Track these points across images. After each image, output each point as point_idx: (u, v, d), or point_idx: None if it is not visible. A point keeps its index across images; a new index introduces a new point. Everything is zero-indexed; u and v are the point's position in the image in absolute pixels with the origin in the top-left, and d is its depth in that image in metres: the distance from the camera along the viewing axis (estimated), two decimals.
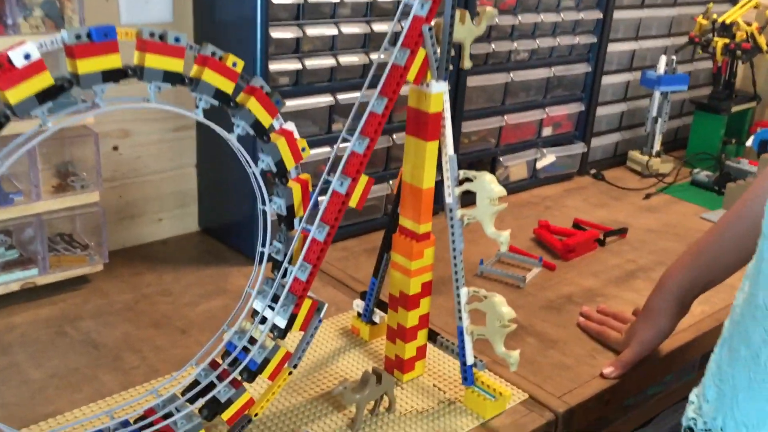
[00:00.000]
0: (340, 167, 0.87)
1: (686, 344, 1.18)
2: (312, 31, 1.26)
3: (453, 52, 0.92)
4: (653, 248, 1.51)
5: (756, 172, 1.76)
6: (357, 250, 1.42)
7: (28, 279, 1.16)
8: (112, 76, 0.68)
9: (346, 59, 1.33)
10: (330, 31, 1.29)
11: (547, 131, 1.78)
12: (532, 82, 1.70)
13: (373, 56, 1.36)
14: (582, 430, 1.05)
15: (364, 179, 0.88)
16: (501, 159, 1.68)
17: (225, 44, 1.12)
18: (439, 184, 0.94)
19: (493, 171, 1.68)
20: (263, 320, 0.89)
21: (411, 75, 0.88)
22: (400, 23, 0.88)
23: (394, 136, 1.44)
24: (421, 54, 0.88)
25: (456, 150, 1.52)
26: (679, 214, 1.69)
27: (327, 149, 1.35)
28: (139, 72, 0.70)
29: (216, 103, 0.77)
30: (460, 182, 0.94)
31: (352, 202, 0.89)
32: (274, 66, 1.24)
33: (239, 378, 0.88)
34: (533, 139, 1.76)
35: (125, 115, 1.30)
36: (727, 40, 1.85)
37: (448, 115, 0.93)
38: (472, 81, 1.55)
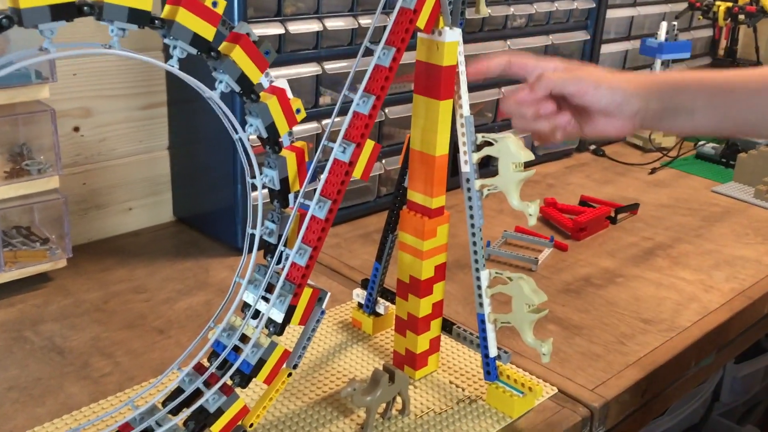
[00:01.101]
0: (342, 131, 0.74)
1: (721, 325, 1.07)
2: None
3: None
4: (668, 224, 1.40)
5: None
6: (350, 236, 1.29)
7: None
8: (64, 12, 0.54)
9: (333, 24, 1.19)
10: None
11: None
12: (530, 51, 1.58)
13: (362, 20, 1.23)
14: (618, 426, 0.93)
15: (370, 144, 0.75)
16: None
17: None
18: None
19: None
20: (256, 314, 0.76)
21: (421, 21, 0.75)
22: None
23: (387, 110, 1.31)
24: None
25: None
26: (689, 189, 1.59)
27: (314, 125, 1.22)
28: (97, 8, 0.56)
29: (194, 51, 0.63)
30: (478, 147, 0.82)
31: (357, 172, 0.76)
32: (254, 31, 1.10)
33: (230, 383, 0.74)
34: None
35: (86, 92, 1.15)
36: (730, 4, 1.75)
37: (463, 68, 0.81)
38: (468, 49, 1.42)
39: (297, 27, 1.15)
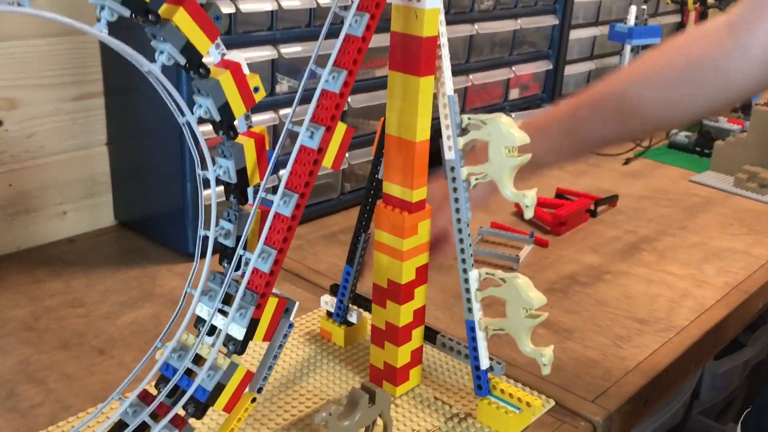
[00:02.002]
0: (309, 113, 0.63)
1: (720, 323, 0.99)
2: None
3: None
4: (650, 216, 1.32)
5: (746, 128, 1.59)
6: (312, 237, 1.18)
7: None
8: None
9: (289, 3, 1.08)
10: None
11: (514, 93, 1.58)
12: (497, 37, 1.49)
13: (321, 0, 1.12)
14: None
15: (341, 128, 0.64)
16: None
17: None
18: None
19: None
20: (212, 330, 0.64)
21: None
22: None
23: (350, 99, 1.20)
24: None
25: None
26: (666, 179, 1.52)
27: (271, 115, 1.11)
28: None
29: (126, 13, 0.51)
30: (463, 130, 0.71)
31: (327, 161, 0.65)
32: None
33: (183, 414, 0.63)
34: (500, 103, 1.55)
35: (9, 81, 1.01)
36: None
37: (445, 40, 0.70)
38: None
39: (249, 6, 1.03)
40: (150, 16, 0.53)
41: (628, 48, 1.69)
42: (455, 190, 0.72)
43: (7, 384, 0.80)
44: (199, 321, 0.65)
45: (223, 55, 0.65)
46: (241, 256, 0.63)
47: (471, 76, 1.44)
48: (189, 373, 0.63)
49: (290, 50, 1.10)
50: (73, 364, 0.83)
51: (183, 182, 1.05)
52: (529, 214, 0.69)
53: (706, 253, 1.19)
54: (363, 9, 0.63)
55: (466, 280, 0.74)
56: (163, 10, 0.55)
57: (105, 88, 1.11)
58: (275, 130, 1.12)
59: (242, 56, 0.62)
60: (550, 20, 1.58)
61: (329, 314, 0.90)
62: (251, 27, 1.07)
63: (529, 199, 0.69)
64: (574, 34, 1.67)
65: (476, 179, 0.72)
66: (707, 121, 1.71)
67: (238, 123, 0.64)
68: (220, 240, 0.65)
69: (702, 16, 1.75)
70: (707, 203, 1.39)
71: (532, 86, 1.63)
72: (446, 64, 0.70)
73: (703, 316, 1.00)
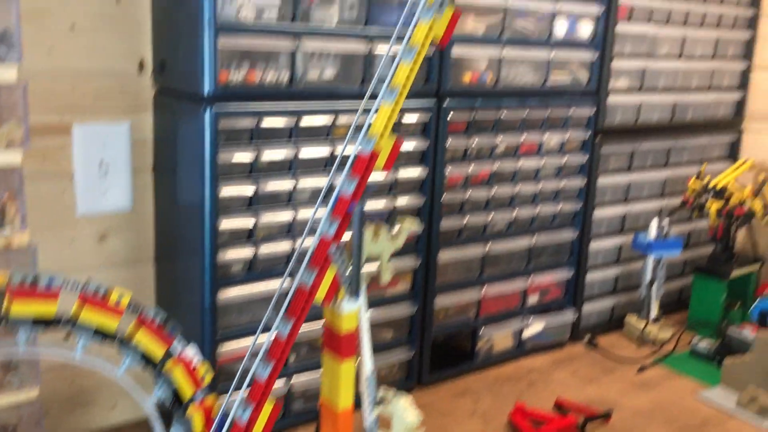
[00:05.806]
0: (249, 377, 0.83)
1: None
2: (266, 218, 1.25)
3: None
4: None
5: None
6: None
7: None
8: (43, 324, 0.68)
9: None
10: (286, 216, 1.27)
11: (533, 299, 1.72)
12: (513, 252, 1.65)
13: None
14: None
15: (268, 407, 0.84)
16: (481, 331, 1.60)
17: (185, 233, 1.18)
18: None
19: (473, 343, 1.61)
20: None
21: (319, 297, 0.85)
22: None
23: None
24: (331, 271, 0.86)
25: (430, 323, 1.46)
26: (674, 392, 1.58)
27: None
28: (72, 324, 0.69)
29: (97, 341, 0.74)
30: (379, 401, 0.89)
31: None
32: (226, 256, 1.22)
33: None
34: (518, 308, 1.69)
35: None
36: (720, 204, 1.79)
37: (367, 326, 0.89)
38: (445, 255, 1.51)
39: (267, 248, 1.27)
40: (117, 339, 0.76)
41: (650, 259, 1.80)
42: None
43: None
44: None
45: (181, 351, 0.86)
46: None
47: (485, 288, 1.60)
48: None
49: None
50: None
51: None
52: None
53: None
54: (290, 315, 0.83)
55: None
56: (127, 332, 0.78)
57: (156, 294, 1.37)
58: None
59: (194, 351, 0.83)
60: (568, 234, 1.72)
61: None
62: (270, 264, 1.30)
63: None
64: (599, 244, 1.80)
65: None
66: (731, 329, 1.76)
67: (195, 396, 0.85)
68: None
69: (725, 229, 1.84)
70: (703, 426, 1.45)
71: (553, 291, 1.76)
72: (366, 349, 0.89)
73: None
